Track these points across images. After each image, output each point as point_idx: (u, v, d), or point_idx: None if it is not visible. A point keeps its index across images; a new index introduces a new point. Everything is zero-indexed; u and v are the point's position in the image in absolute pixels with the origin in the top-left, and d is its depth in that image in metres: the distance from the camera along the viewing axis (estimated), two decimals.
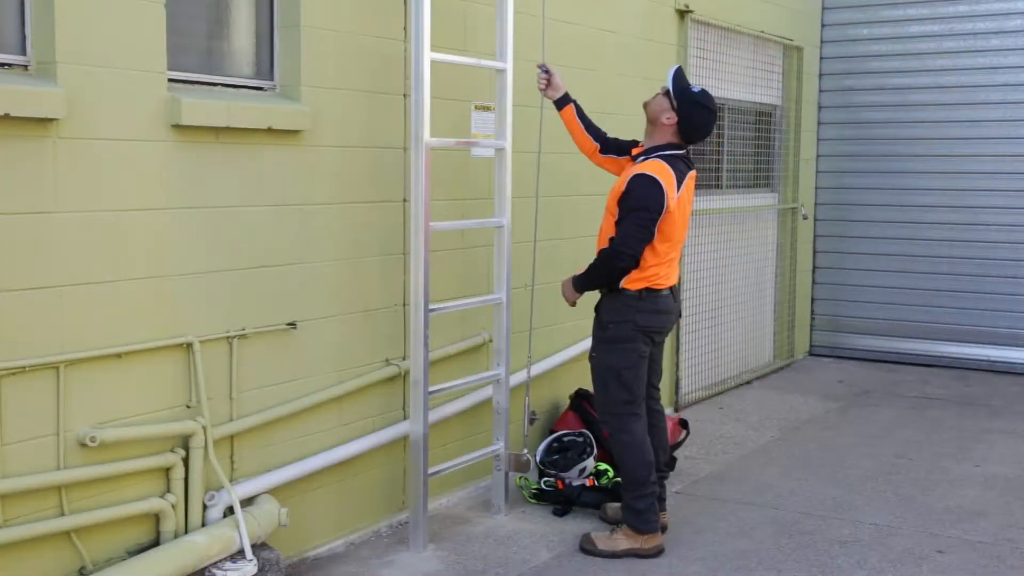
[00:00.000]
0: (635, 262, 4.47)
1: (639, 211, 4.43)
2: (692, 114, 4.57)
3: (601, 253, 4.56)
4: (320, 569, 4.42)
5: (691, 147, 4.75)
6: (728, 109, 7.84)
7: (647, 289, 4.54)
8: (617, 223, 4.50)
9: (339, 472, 4.60)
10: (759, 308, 8.54)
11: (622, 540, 4.60)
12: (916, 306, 8.90)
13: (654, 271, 4.54)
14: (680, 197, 4.53)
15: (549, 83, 4.99)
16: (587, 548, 4.62)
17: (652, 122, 4.67)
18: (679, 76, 4.65)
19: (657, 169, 4.48)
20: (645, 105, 4.73)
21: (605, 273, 4.55)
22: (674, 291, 4.70)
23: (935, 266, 8.79)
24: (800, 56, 8.61)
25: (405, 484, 4.93)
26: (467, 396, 5.22)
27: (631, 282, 4.53)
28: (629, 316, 4.54)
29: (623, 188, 4.50)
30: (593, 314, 4.76)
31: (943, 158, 8.71)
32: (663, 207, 4.44)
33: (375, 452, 4.75)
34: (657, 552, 4.60)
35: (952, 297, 8.75)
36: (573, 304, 4.78)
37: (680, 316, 4.79)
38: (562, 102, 5.01)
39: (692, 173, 4.68)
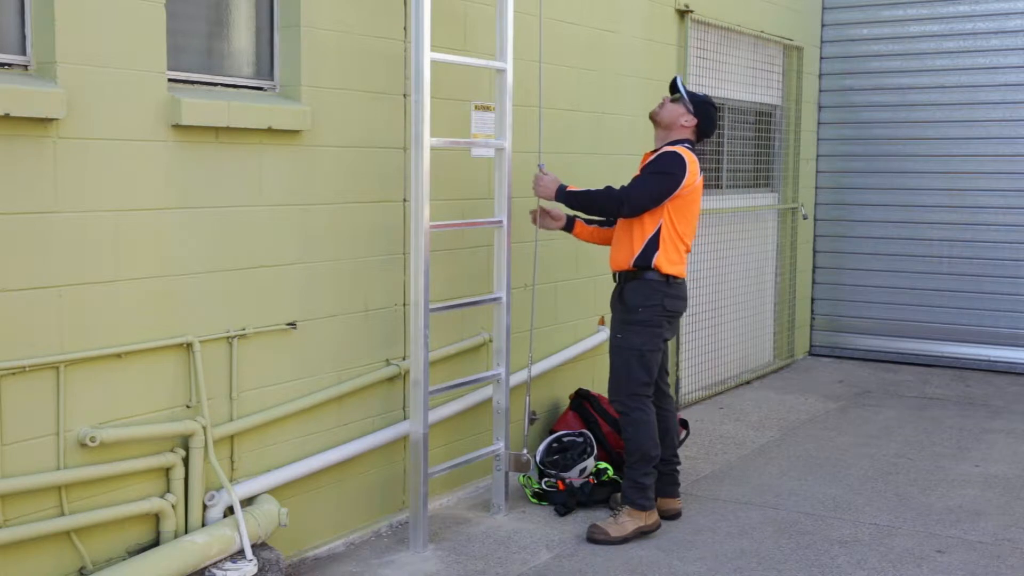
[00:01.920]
0: (631, 209, 4.74)
1: (659, 174, 4.73)
2: (707, 113, 4.94)
3: (608, 189, 4.79)
4: (320, 569, 4.43)
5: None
6: (728, 109, 7.84)
7: (672, 276, 4.80)
8: (634, 180, 4.77)
9: (339, 472, 4.60)
10: (759, 308, 8.54)
11: (628, 522, 4.75)
12: (916, 306, 8.90)
13: (676, 252, 4.81)
14: (699, 182, 4.85)
15: (548, 214, 5.13)
16: (599, 539, 4.70)
17: (668, 127, 4.94)
18: (683, 84, 4.99)
19: (682, 150, 4.81)
20: (653, 115, 4.98)
21: (602, 206, 4.83)
22: (685, 282, 4.98)
23: (935, 266, 8.79)
24: (800, 56, 8.61)
25: (405, 484, 4.93)
26: (467, 396, 5.22)
27: (661, 263, 4.76)
28: (658, 300, 4.79)
29: (654, 159, 4.80)
30: (614, 303, 4.95)
31: (943, 158, 8.71)
32: (682, 181, 4.72)
33: (375, 452, 4.76)
34: (657, 526, 4.82)
35: (952, 297, 8.75)
36: (541, 195, 4.97)
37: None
38: (569, 225, 5.19)
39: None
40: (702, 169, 4.93)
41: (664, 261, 4.77)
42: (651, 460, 4.82)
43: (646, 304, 4.79)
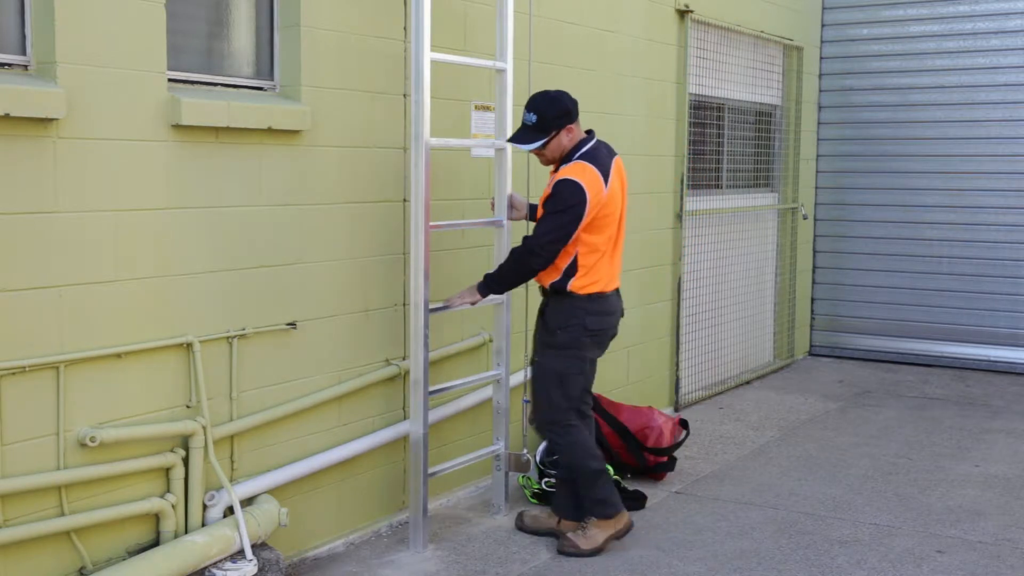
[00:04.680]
0: (547, 262, 4.44)
1: (560, 213, 4.39)
2: (560, 109, 4.52)
3: (513, 252, 4.53)
4: (320, 569, 4.43)
5: (593, 135, 4.66)
6: (728, 109, 7.84)
7: (597, 293, 4.53)
8: (538, 223, 4.47)
9: (339, 472, 4.60)
10: (759, 308, 8.54)
11: (597, 533, 4.59)
12: (916, 306, 8.90)
13: (596, 271, 4.51)
14: (611, 188, 4.49)
15: (511, 204, 4.88)
16: (570, 551, 4.56)
17: (562, 153, 4.56)
18: (531, 114, 4.55)
19: (579, 172, 4.43)
20: (547, 163, 4.65)
21: (519, 272, 4.52)
22: (618, 292, 4.69)
23: (935, 266, 8.79)
24: (800, 56, 8.61)
25: (405, 484, 4.93)
26: (467, 396, 5.21)
27: (580, 287, 4.50)
28: (578, 319, 4.51)
29: (549, 192, 4.46)
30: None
31: (943, 158, 8.71)
32: (585, 210, 4.39)
33: (375, 452, 4.76)
34: (629, 527, 4.67)
35: (952, 297, 8.75)
36: (471, 303, 4.67)
37: (623, 315, 4.80)
38: (532, 214, 4.87)
39: (616, 159, 4.63)
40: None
41: (582, 284, 4.50)
42: (597, 473, 4.61)
43: (565, 325, 4.52)
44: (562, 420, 4.61)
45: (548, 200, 4.46)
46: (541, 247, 4.41)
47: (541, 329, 4.66)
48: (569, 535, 4.63)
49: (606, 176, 4.48)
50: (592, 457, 4.64)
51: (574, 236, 4.44)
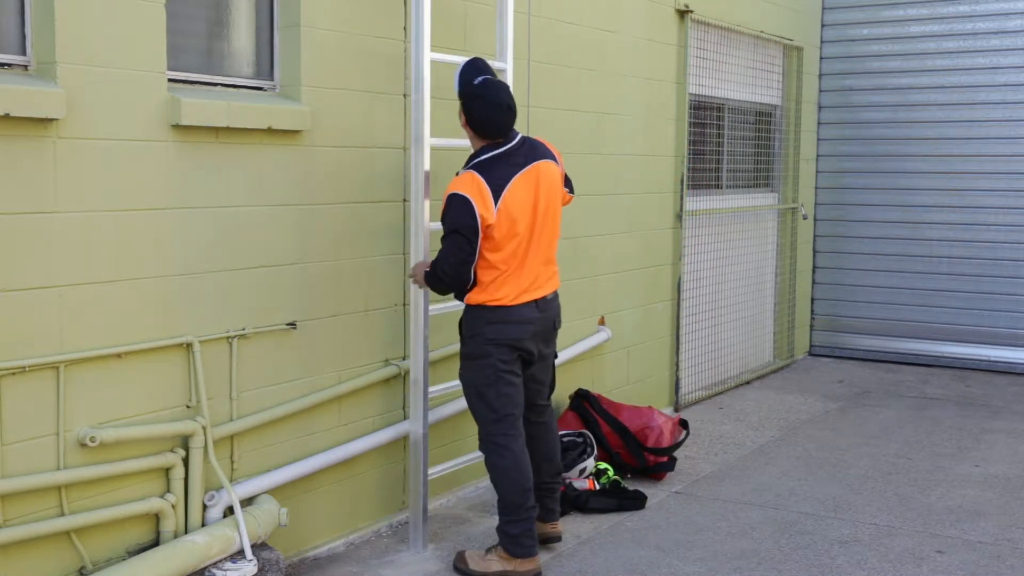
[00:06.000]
0: (459, 281, 4.21)
1: (451, 234, 4.15)
2: (473, 109, 4.25)
3: (432, 269, 4.27)
4: (320, 569, 4.43)
5: (509, 138, 4.29)
6: (728, 109, 7.84)
7: (499, 307, 4.26)
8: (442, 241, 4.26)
9: (339, 472, 4.60)
10: (759, 308, 8.54)
11: (495, 562, 4.36)
12: (916, 306, 8.90)
13: (496, 288, 4.24)
14: (506, 204, 4.16)
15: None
16: (459, 567, 4.40)
17: (468, 137, 4.38)
18: (466, 70, 4.28)
19: (467, 185, 4.14)
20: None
21: (436, 285, 4.30)
22: (540, 302, 4.34)
23: (935, 266, 8.79)
24: (800, 56, 8.61)
25: (405, 484, 4.93)
26: None
27: (479, 301, 4.27)
28: (478, 329, 4.28)
29: (443, 206, 4.20)
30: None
31: (943, 158, 8.71)
32: (476, 226, 4.11)
33: (375, 452, 4.76)
34: (536, 575, 4.36)
35: (952, 297, 8.75)
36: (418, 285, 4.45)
37: (556, 328, 4.49)
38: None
39: (536, 165, 4.28)
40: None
41: (482, 299, 4.25)
42: (516, 508, 4.31)
43: (469, 335, 4.33)
44: (492, 437, 4.35)
45: (442, 217, 4.19)
46: (445, 274, 4.19)
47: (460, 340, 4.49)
48: (468, 552, 4.45)
49: (499, 192, 4.15)
50: (519, 491, 4.32)
51: (479, 249, 4.18)
